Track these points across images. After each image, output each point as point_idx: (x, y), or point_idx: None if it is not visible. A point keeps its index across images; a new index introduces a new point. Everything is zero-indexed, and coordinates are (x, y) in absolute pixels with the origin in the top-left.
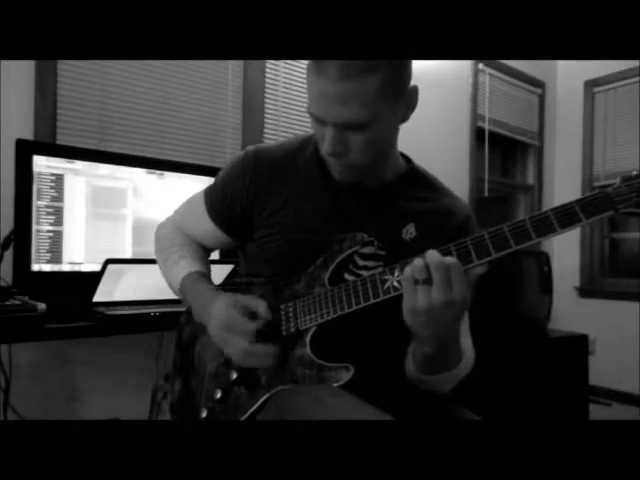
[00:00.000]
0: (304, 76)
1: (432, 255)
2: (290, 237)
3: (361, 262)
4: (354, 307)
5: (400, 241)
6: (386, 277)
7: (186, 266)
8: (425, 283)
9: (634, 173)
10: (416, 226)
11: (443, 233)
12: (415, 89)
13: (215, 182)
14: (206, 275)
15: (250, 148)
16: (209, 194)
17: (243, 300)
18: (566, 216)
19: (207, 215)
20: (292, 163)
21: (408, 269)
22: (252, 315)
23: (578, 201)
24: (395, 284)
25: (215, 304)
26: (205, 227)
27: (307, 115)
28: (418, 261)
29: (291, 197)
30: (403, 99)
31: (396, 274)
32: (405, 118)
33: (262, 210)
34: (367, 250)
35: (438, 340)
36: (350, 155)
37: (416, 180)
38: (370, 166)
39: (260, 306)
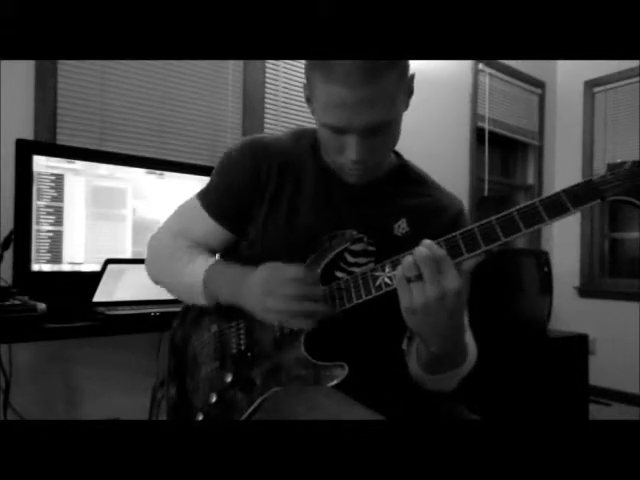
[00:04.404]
0: (304, 76)
1: (419, 251)
2: (281, 234)
3: (352, 259)
4: (347, 305)
5: (392, 236)
6: (377, 273)
7: (204, 261)
8: (417, 279)
9: (619, 161)
10: (408, 221)
11: (436, 228)
12: (413, 76)
13: (211, 179)
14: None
15: (246, 139)
16: (206, 193)
17: (287, 266)
18: (553, 206)
19: (207, 215)
20: (286, 157)
21: (399, 269)
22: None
23: (564, 191)
24: (387, 280)
25: (257, 273)
26: (206, 228)
27: (307, 114)
28: (407, 259)
29: (284, 194)
30: (407, 87)
31: (387, 270)
32: (407, 106)
33: (259, 203)
34: (357, 247)
35: (441, 337)
36: (375, 158)
37: (407, 175)
38: (383, 162)
39: (305, 271)
